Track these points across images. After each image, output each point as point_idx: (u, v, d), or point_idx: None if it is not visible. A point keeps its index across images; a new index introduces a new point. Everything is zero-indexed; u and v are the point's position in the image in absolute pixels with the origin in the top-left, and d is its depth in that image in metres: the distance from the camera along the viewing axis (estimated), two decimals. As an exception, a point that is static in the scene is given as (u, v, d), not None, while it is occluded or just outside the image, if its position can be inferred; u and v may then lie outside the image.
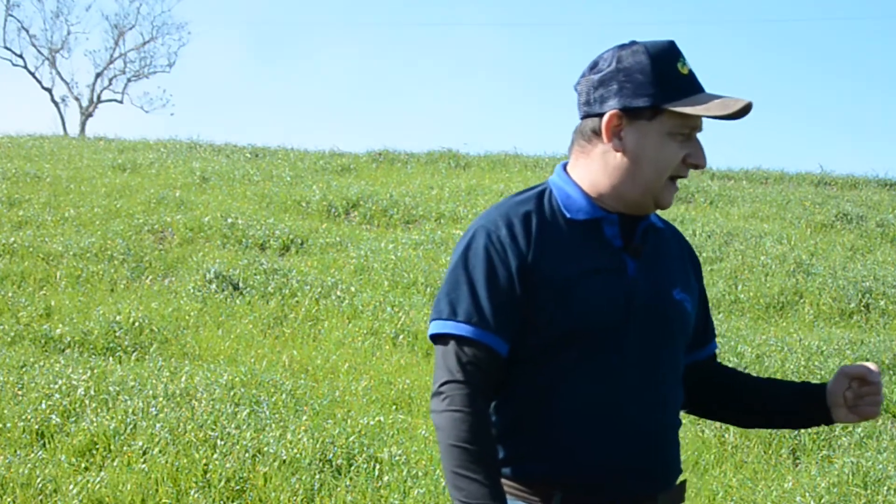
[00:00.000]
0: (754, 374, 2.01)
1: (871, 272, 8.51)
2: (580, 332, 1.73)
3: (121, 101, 34.94)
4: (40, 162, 12.74)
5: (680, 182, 1.85)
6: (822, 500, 4.43)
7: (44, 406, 4.94)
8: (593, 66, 1.80)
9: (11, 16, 34.96)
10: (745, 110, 1.74)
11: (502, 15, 62.82)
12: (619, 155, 1.76)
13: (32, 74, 33.89)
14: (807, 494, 4.45)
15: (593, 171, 1.79)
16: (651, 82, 1.74)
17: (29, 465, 4.31)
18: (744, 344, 6.62)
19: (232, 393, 5.26)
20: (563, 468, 1.72)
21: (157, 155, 13.62)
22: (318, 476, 4.31)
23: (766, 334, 7.04)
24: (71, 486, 4.13)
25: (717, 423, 5.40)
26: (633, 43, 1.79)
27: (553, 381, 1.73)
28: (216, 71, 58.39)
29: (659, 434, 1.79)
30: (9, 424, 4.75)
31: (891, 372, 6.17)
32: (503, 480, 1.72)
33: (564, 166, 1.86)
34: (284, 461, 4.39)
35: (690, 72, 1.79)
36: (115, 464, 4.38)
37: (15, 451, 4.52)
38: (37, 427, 4.76)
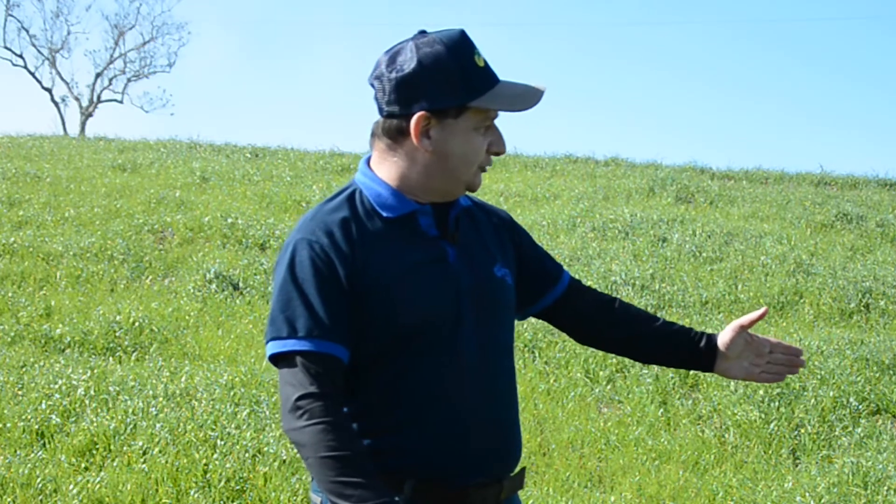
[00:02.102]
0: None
1: (871, 272, 8.51)
2: (416, 327, 1.75)
3: (121, 101, 35.01)
4: (40, 162, 12.73)
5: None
6: (822, 500, 4.42)
7: (44, 406, 4.93)
8: (391, 64, 1.77)
9: (11, 16, 34.98)
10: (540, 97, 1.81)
11: (502, 14, 62.84)
12: (427, 154, 1.78)
13: (32, 74, 33.93)
14: (807, 494, 4.45)
15: (402, 168, 1.80)
16: (455, 82, 1.74)
17: (29, 465, 4.30)
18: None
19: (232, 393, 5.25)
20: (413, 461, 1.75)
21: (157, 155, 13.61)
22: (318, 476, 4.30)
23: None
24: (71, 486, 4.13)
25: (718, 423, 5.41)
26: (427, 35, 1.78)
27: (396, 378, 1.76)
28: (216, 71, 58.40)
29: (503, 418, 1.84)
30: (9, 424, 4.75)
31: (891, 372, 6.16)
32: None
33: (368, 162, 1.86)
34: (284, 461, 4.39)
35: (486, 62, 1.80)
36: (115, 464, 4.37)
37: (15, 451, 4.51)
38: (37, 427, 4.76)
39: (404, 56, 1.76)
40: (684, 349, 1.99)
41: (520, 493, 1.84)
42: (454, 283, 1.79)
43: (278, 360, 1.74)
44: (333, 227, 1.76)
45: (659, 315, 7.78)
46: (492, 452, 1.80)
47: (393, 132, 1.78)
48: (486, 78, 1.77)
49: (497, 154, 1.82)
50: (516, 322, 2.21)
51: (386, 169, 1.81)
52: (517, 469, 1.90)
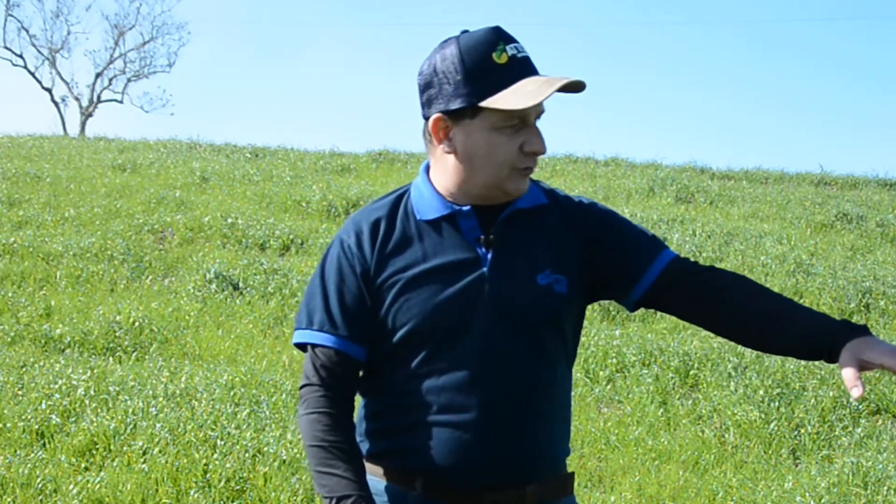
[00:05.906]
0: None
1: (871, 272, 8.51)
2: (430, 330, 1.75)
3: (121, 101, 35.05)
4: (40, 162, 12.74)
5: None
6: (822, 500, 4.42)
7: (44, 406, 4.94)
8: (421, 69, 1.79)
9: (11, 16, 35.01)
10: (576, 88, 1.70)
11: (502, 15, 62.85)
12: (452, 156, 1.78)
13: (32, 74, 33.94)
14: (807, 494, 4.45)
15: (439, 170, 1.82)
16: (463, 81, 1.71)
17: (29, 465, 4.30)
18: (744, 344, 6.61)
19: (232, 393, 5.25)
20: (420, 463, 1.76)
21: (157, 155, 13.62)
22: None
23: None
24: (71, 486, 4.12)
25: (718, 423, 5.40)
26: (454, 38, 1.76)
27: (410, 379, 1.77)
28: (216, 71, 58.43)
29: (523, 424, 1.78)
30: (9, 424, 4.75)
31: (891, 372, 6.16)
32: (369, 467, 1.80)
33: (427, 165, 1.88)
34: (284, 461, 4.39)
35: (512, 58, 1.72)
36: (115, 464, 4.37)
37: (15, 451, 4.51)
38: (37, 427, 4.76)
39: (428, 60, 1.78)
40: (804, 351, 1.75)
41: (498, 494, 1.77)
42: (476, 289, 1.75)
43: (300, 349, 1.83)
44: (364, 227, 1.80)
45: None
46: (505, 460, 1.76)
47: (427, 135, 1.81)
48: (505, 74, 1.70)
49: (534, 154, 1.74)
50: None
51: (432, 171, 1.84)
52: (560, 475, 1.84)
